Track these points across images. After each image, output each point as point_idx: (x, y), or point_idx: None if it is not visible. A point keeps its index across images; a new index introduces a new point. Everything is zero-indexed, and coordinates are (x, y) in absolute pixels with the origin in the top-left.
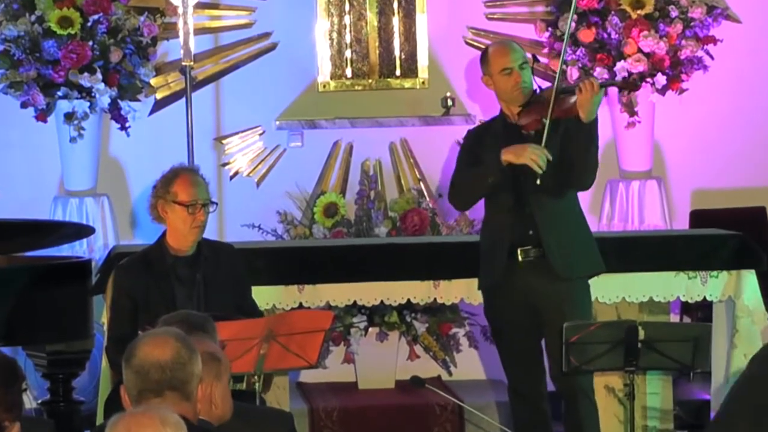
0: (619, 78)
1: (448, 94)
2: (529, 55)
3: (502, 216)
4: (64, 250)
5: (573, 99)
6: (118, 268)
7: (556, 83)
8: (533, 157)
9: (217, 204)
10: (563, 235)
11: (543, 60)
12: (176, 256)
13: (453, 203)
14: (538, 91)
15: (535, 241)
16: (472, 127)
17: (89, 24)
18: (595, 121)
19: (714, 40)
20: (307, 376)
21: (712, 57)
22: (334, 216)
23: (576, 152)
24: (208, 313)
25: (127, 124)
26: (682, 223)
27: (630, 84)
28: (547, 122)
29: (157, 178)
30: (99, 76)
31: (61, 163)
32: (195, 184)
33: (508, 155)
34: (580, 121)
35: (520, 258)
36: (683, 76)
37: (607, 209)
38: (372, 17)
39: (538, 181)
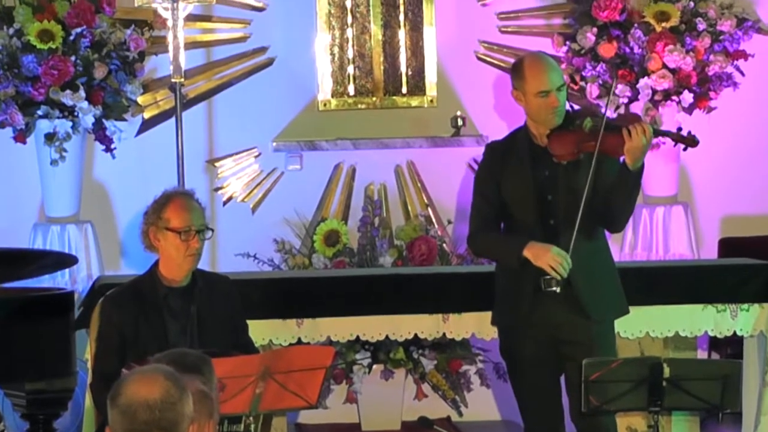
0: (673, 128)
1: (459, 113)
2: (566, 77)
3: None
4: (45, 282)
5: (617, 138)
6: (106, 298)
7: (603, 123)
8: (553, 264)
9: (213, 231)
10: (594, 275)
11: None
12: (169, 287)
13: (469, 249)
14: (570, 111)
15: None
16: (489, 141)
17: (72, 38)
18: (642, 167)
19: (745, 55)
20: (307, 417)
21: (742, 73)
22: (335, 245)
23: (616, 197)
24: (202, 350)
25: (112, 146)
26: (710, 252)
27: (688, 139)
28: (593, 162)
29: (147, 204)
30: (82, 93)
31: (42, 188)
32: (189, 208)
33: (529, 252)
34: (624, 166)
35: (542, 287)
36: (712, 94)
37: (629, 237)
38: (376, 30)
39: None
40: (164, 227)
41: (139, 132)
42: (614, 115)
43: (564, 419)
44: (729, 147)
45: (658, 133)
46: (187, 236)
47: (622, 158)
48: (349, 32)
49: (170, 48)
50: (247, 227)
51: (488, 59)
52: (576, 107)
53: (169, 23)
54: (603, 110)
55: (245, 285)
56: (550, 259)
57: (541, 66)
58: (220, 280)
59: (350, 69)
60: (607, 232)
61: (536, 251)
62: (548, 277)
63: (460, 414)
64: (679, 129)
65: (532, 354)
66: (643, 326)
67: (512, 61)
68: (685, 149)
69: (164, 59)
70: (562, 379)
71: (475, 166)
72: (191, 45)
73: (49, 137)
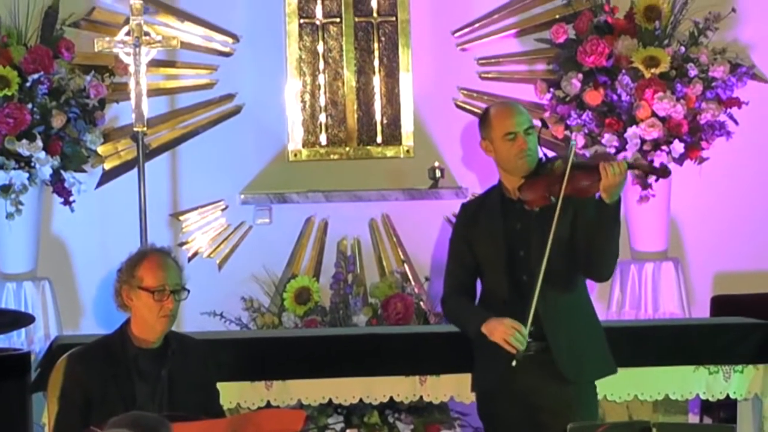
0: (645, 160)
1: (437, 164)
2: (537, 122)
3: (500, 308)
4: (0, 342)
5: (590, 177)
6: (72, 355)
7: (569, 161)
8: (505, 336)
9: (189, 291)
10: (572, 333)
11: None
12: (140, 347)
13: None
14: (543, 159)
15: (538, 335)
16: (464, 200)
17: (28, 84)
18: (619, 200)
19: (738, 103)
20: None
21: (736, 122)
22: (306, 303)
23: (597, 236)
24: (165, 413)
25: (71, 198)
26: (702, 311)
27: (660, 170)
28: (559, 203)
29: (107, 259)
30: (39, 143)
31: None
32: (164, 267)
33: (485, 329)
34: (601, 201)
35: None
36: (703, 144)
37: (617, 295)
38: (350, 76)
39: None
40: (137, 286)
41: (100, 184)
42: (586, 153)
43: None
44: (722, 200)
45: (631, 166)
46: (160, 296)
47: (597, 194)
48: (321, 78)
49: (132, 95)
50: (214, 284)
51: (468, 107)
52: (550, 155)
53: (131, 69)
54: (570, 150)
55: (212, 345)
56: (502, 332)
57: (507, 110)
58: (196, 345)
59: (322, 117)
60: (593, 295)
61: (491, 327)
62: (528, 340)
63: None
64: (651, 161)
65: (511, 418)
66: (631, 389)
67: None
68: (657, 180)
69: (126, 107)
70: None
71: (454, 220)
72: (154, 92)
73: (5, 189)
